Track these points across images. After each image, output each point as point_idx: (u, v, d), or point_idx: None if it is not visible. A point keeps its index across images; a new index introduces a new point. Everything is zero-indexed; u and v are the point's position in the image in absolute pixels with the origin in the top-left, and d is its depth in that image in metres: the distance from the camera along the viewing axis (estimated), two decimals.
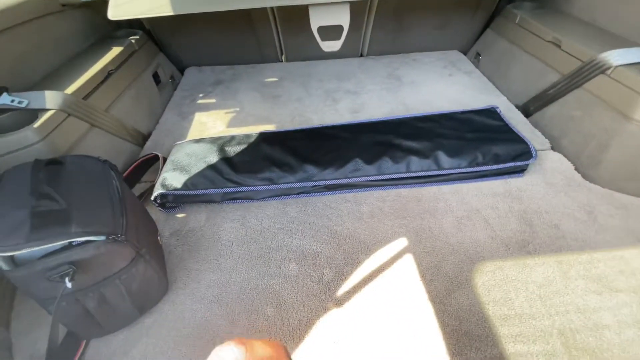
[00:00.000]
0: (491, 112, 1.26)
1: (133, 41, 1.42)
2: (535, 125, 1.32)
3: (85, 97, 1.09)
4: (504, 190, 1.08)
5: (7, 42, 1.02)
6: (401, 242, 0.94)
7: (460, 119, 1.24)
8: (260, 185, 1.04)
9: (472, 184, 1.10)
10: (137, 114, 1.38)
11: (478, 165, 1.07)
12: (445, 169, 1.07)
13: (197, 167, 1.09)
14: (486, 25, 1.79)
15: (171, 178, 1.06)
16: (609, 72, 1.03)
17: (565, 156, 1.18)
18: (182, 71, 1.86)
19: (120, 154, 1.23)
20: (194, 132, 1.41)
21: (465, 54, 1.89)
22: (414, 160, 1.08)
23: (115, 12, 1.12)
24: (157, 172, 1.17)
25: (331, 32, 1.22)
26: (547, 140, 1.24)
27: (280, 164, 1.08)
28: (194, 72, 1.85)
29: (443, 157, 1.08)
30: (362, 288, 0.85)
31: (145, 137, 1.39)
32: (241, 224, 1.01)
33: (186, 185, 1.04)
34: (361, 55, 1.95)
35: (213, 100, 1.63)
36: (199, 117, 1.50)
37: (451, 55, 1.88)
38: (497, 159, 1.08)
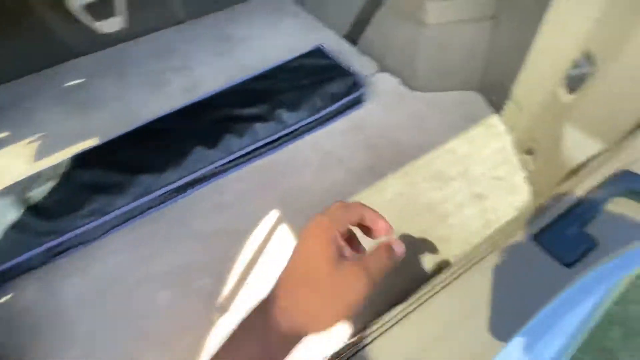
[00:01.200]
0: (318, 52, 1.25)
1: None
2: (363, 51, 1.37)
3: None
4: (349, 126, 1.12)
5: None
6: (272, 216, 0.91)
7: (293, 68, 1.20)
8: (88, 223, 0.85)
9: (324, 129, 1.11)
10: None
11: (319, 110, 1.07)
12: (291, 125, 1.04)
13: None
14: None
15: None
16: None
17: (392, 74, 1.26)
18: None
19: None
20: None
21: None
22: (259, 127, 1.01)
23: None
24: None
25: (100, 6, 0.98)
26: (374, 62, 1.31)
27: (105, 187, 0.90)
28: None
29: (285, 114, 1.04)
30: (246, 281, 0.80)
31: None
32: (83, 277, 0.83)
33: None
34: (180, 23, 1.69)
35: (4, 134, 1.24)
36: None
37: (274, 1, 1.77)
38: (333, 98, 1.09)
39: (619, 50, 0.62)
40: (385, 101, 1.17)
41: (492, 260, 0.42)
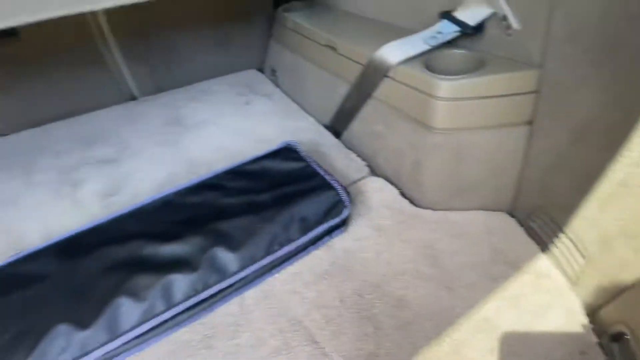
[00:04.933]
0: (289, 151, 0.92)
1: None
2: (349, 145, 1.07)
3: None
4: (329, 264, 0.74)
5: None
6: None
7: (253, 173, 0.86)
8: None
9: (288, 269, 0.73)
10: None
11: (281, 245, 0.70)
12: (233, 275, 0.65)
13: None
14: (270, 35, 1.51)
15: None
16: (391, 73, 0.80)
17: (387, 179, 0.94)
18: None
19: None
20: None
21: (262, 71, 1.58)
22: (177, 282, 0.62)
23: None
24: None
25: None
26: (363, 163, 0.99)
27: None
28: None
29: (225, 257, 0.66)
30: None
31: None
32: None
33: None
34: (134, 99, 1.41)
35: None
36: None
37: (247, 77, 1.53)
38: (304, 226, 0.73)
39: None
40: (380, 222, 0.82)
41: None
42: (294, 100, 1.32)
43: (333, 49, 0.99)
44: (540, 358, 0.57)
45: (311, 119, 1.22)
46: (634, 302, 0.54)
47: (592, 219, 0.62)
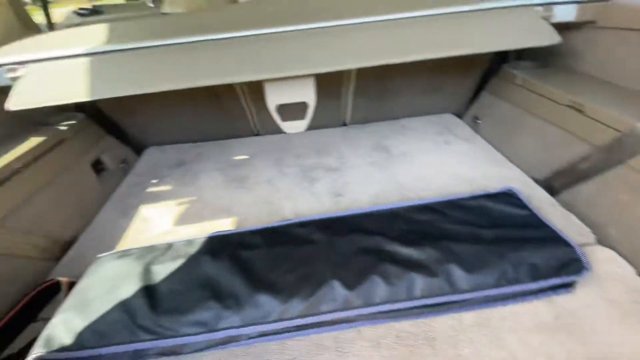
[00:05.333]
0: (509, 196, 0.97)
1: (63, 128, 1.18)
2: (567, 206, 1.02)
3: None
4: (552, 319, 0.73)
5: None
6: None
7: (471, 208, 0.94)
8: (190, 335, 0.70)
9: (504, 308, 0.76)
10: (56, 218, 1.08)
11: (510, 283, 0.74)
12: (464, 292, 0.74)
13: (105, 304, 0.75)
14: (480, 86, 1.60)
15: (63, 325, 0.72)
16: None
17: (620, 253, 0.86)
18: (141, 152, 1.62)
19: (16, 280, 0.91)
20: (131, 235, 1.10)
21: (460, 117, 1.68)
22: (418, 280, 0.75)
23: (18, 100, 0.89)
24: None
25: (294, 110, 0.98)
26: (588, 229, 0.94)
27: (223, 294, 0.75)
28: (153, 153, 1.60)
29: (459, 274, 0.75)
30: None
31: (65, 246, 1.07)
32: None
33: (80, 341, 0.69)
34: (345, 124, 1.73)
35: (167, 188, 1.35)
36: (143, 212, 1.20)
37: (445, 120, 1.66)
38: (535, 273, 0.75)
39: None
40: (612, 297, 0.76)
41: None
42: (498, 150, 1.36)
43: (579, 110, 1.00)
44: None
45: (517, 170, 1.23)
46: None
47: None
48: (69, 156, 1.18)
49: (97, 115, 1.41)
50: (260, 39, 0.96)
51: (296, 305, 0.72)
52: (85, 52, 0.96)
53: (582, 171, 0.98)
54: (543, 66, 1.31)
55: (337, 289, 0.74)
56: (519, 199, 0.95)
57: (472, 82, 1.58)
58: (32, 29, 1.22)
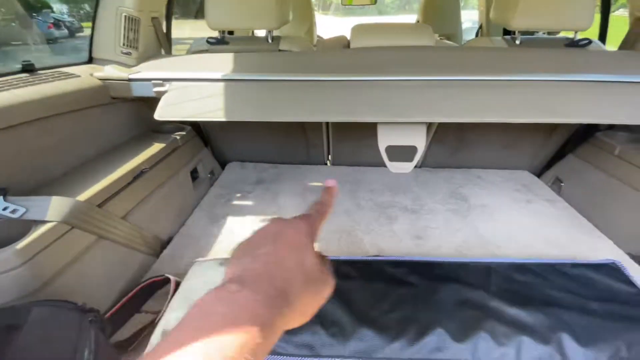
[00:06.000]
0: (613, 270, 0.93)
1: (178, 137, 1.32)
2: None
3: (102, 204, 0.90)
4: None
5: (35, 134, 0.90)
6: None
7: (574, 277, 0.91)
8: (296, 356, 0.72)
9: None
10: (162, 218, 1.18)
11: None
12: None
13: None
14: (563, 148, 1.58)
15: (177, 322, 0.77)
16: None
17: None
18: (223, 165, 1.74)
19: (127, 269, 0.99)
20: (221, 244, 1.17)
21: (537, 176, 1.66)
22: (527, 344, 0.73)
23: (163, 113, 1.01)
24: (166, 299, 0.90)
25: (401, 152, 1.04)
26: None
27: (327, 322, 0.77)
28: (235, 168, 1.72)
29: (571, 345, 0.72)
30: None
31: (164, 244, 1.16)
32: None
33: None
34: (416, 166, 1.77)
35: (250, 203, 1.43)
36: (231, 224, 1.28)
37: (521, 177, 1.64)
38: None
39: None
40: None
41: None
42: (584, 216, 1.32)
43: None
44: None
45: (609, 242, 1.18)
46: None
47: None
48: (178, 162, 1.30)
49: (197, 128, 1.55)
50: (372, 85, 1.04)
51: (402, 348, 0.73)
52: (219, 77, 1.09)
53: None
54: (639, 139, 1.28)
55: (444, 337, 0.74)
56: (624, 274, 0.91)
57: (554, 143, 1.57)
58: (166, 48, 1.40)
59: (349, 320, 0.77)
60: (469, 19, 3.80)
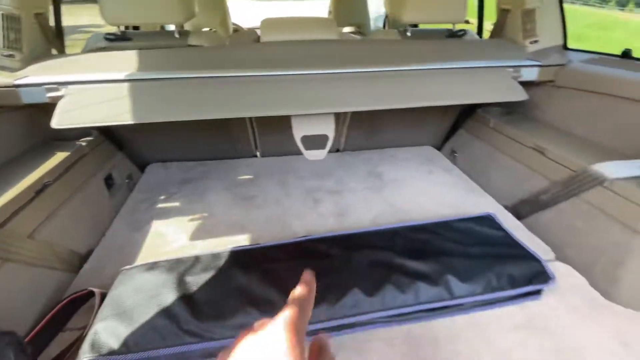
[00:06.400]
0: (489, 220, 1.17)
1: (84, 143, 1.23)
2: (531, 229, 1.25)
3: (3, 224, 0.83)
4: (526, 320, 0.91)
5: None
6: None
7: (460, 229, 1.13)
8: (233, 337, 0.78)
9: (489, 311, 0.93)
10: (76, 231, 1.11)
11: (493, 290, 0.92)
12: (459, 298, 0.90)
13: (147, 311, 0.81)
14: (456, 124, 1.86)
15: (107, 331, 0.77)
16: (606, 184, 1.00)
17: (575, 268, 1.07)
18: (143, 168, 1.66)
19: (44, 289, 0.93)
20: (148, 249, 1.15)
21: (438, 149, 1.92)
22: (423, 288, 0.90)
23: (61, 120, 0.95)
24: (92, 314, 0.88)
25: (315, 140, 1.14)
26: (549, 248, 1.16)
27: (259, 301, 0.85)
28: (157, 170, 1.66)
29: (455, 282, 0.92)
30: None
31: (83, 259, 1.10)
32: None
33: (127, 344, 0.75)
34: (338, 151, 1.91)
35: (177, 204, 1.41)
36: (157, 227, 1.26)
37: (425, 151, 1.89)
38: (512, 282, 0.94)
39: None
40: (572, 302, 0.96)
41: None
42: (472, 179, 1.59)
43: (541, 152, 1.25)
44: None
45: (491, 199, 1.45)
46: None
47: None
48: (87, 171, 1.22)
49: (108, 132, 1.46)
50: (282, 79, 1.11)
51: (324, 311, 0.84)
52: (122, 77, 1.05)
53: (542, 201, 1.21)
54: (509, 113, 1.58)
55: (359, 296, 0.87)
56: (496, 222, 1.16)
57: (448, 121, 1.84)
58: (57, 46, 1.28)
59: (279, 297, 0.86)
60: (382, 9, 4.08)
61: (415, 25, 2.14)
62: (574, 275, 1.05)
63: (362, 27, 2.75)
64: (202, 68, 1.08)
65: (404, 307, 0.87)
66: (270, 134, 1.71)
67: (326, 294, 0.88)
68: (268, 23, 1.39)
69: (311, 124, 1.08)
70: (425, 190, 1.51)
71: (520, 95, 1.22)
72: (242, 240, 1.19)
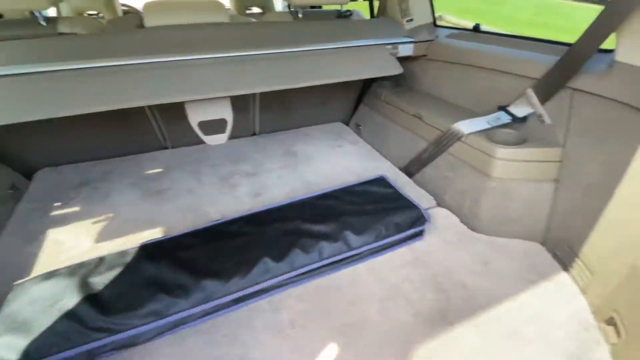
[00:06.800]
0: (381, 181, 1.35)
1: None
2: (419, 184, 1.47)
3: None
4: (412, 258, 1.11)
5: None
6: (331, 350, 0.83)
7: (358, 192, 1.28)
8: (145, 325, 0.81)
9: (383, 256, 1.10)
10: None
11: (383, 237, 1.09)
12: (356, 249, 1.05)
13: (47, 319, 0.78)
14: (359, 99, 2.02)
15: (4, 348, 0.73)
16: (463, 139, 1.23)
17: (451, 211, 1.31)
18: (29, 176, 1.48)
19: None
20: (45, 260, 1.07)
21: (346, 124, 2.08)
22: (325, 246, 1.02)
23: None
24: None
25: (215, 125, 1.15)
26: (432, 197, 1.38)
27: (170, 287, 0.88)
28: (47, 175, 1.49)
29: (352, 237, 1.06)
30: None
31: None
32: None
33: (28, 354, 0.72)
34: (254, 134, 1.94)
35: (75, 209, 1.31)
36: (54, 236, 1.17)
37: (336, 127, 2.03)
38: (398, 228, 1.12)
39: None
40: (447, 238, 1.19)
41: None
42: (374, 148, 1.78)
43: (419, 118, 1.45)
44: (558, 326, 0.89)
45: (389, 163, 1.65)
46: (621, 296, 0.86)
47: (596, 247, 0.95)
48: None
49: None
50: (176, 65, 1.09)
51: (237, 282, 0.91)
52: None
53: (424, 159, 1.43)
54: (397, 85, 1.79)
55: (268, 263, 0.95)
56: (388, 182, 1.34)
57: (353, 97, 1.99)
58: None
59: (191, 281, 0.90)
60: None
61: (320, 7, 2.21)
62: (449, 216, 1.29)
63: (265, 9, 2.73)
64: (76, 58, 1.00)
65: (310, 265, 0.98)
66: (177, 123, 1.66)
67: (238, 268, 0.94)
68: (151, 6, 1.32)
69: (207, 109, 1.09)
70: (334, 163, 1.64)
71: (397, 69, 1.39)
72: (153, 234, 1.17)
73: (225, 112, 1.12)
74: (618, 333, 0.84)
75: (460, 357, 0.82)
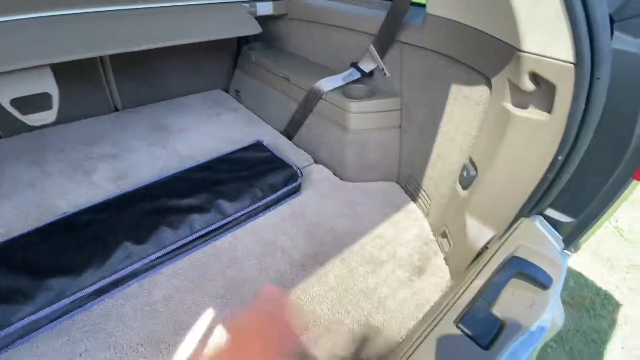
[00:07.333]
0: (258, 146, 1.36)
1: None
2: (298, 145, 1.53)
3: None
4: (290, 213, 1.17)
5: None
6: (208, 315, 0.85)
7: (233, 160, 1.27)
8: None
9: (263, 217, 1.14)
10: None
11: (259, 200, 1.12)
12: (231, 215, 1.05)
13: None
14: (235, 64, 1.93)
15: None
16: (324, 96, 1.30)
17: (325, 165, 1.42)
18: None
19: None
20: None
21: (226, 91, 1.99)
22: (196, 219, 1.00)
23: None
24: None
25: (35, 101, 0.96)
26: (309, 156, 1.46)
27: (7, 294, 0.75)
28: None
29: (225, 204, 1.06)
30: None
31: None
32: None
33: None
34: (116, 110, 1.69)
35: None
36: None
37: (215, 95, 1.92)
38: (273, 188, 1.16)
39: (492, 159, 0.83)
40: (320, 189, 1.29)
41: (424, 351, 0.47)
42: (255, 114, 1.75)
43: (287, 79, 1.47)
44: (405, 245, 1.08)
45: (269, 127, 1.66)
46: (447, 214, 1.08)
47: (430, 177, 1.16)
48: None
49: None
50: None
51: (92, 274, 0.83)
52: None
53: (298, 120, 1.48)
54: (268, 47, 1.76)
55: (130, 247, 0.89)
56: (263, 146, 1.35)
57: (228, 62, 1.89)
58: None
59: (31, 284, 0.78)
60: None
61: None
62: (323, 170, 1.39)
63: None
64: None
65: (180, 240, 0.95)
66: None
67: (91, 259, 0.86)
68: None
69: (20, 83, 0.89)
70: (213, 133, 1.57)
71: (255, 29, 1.36)
72: None
73: (47, 84, 0.93)
74: (449, 243, 1.06)
75: (328, 286, 0.94)
